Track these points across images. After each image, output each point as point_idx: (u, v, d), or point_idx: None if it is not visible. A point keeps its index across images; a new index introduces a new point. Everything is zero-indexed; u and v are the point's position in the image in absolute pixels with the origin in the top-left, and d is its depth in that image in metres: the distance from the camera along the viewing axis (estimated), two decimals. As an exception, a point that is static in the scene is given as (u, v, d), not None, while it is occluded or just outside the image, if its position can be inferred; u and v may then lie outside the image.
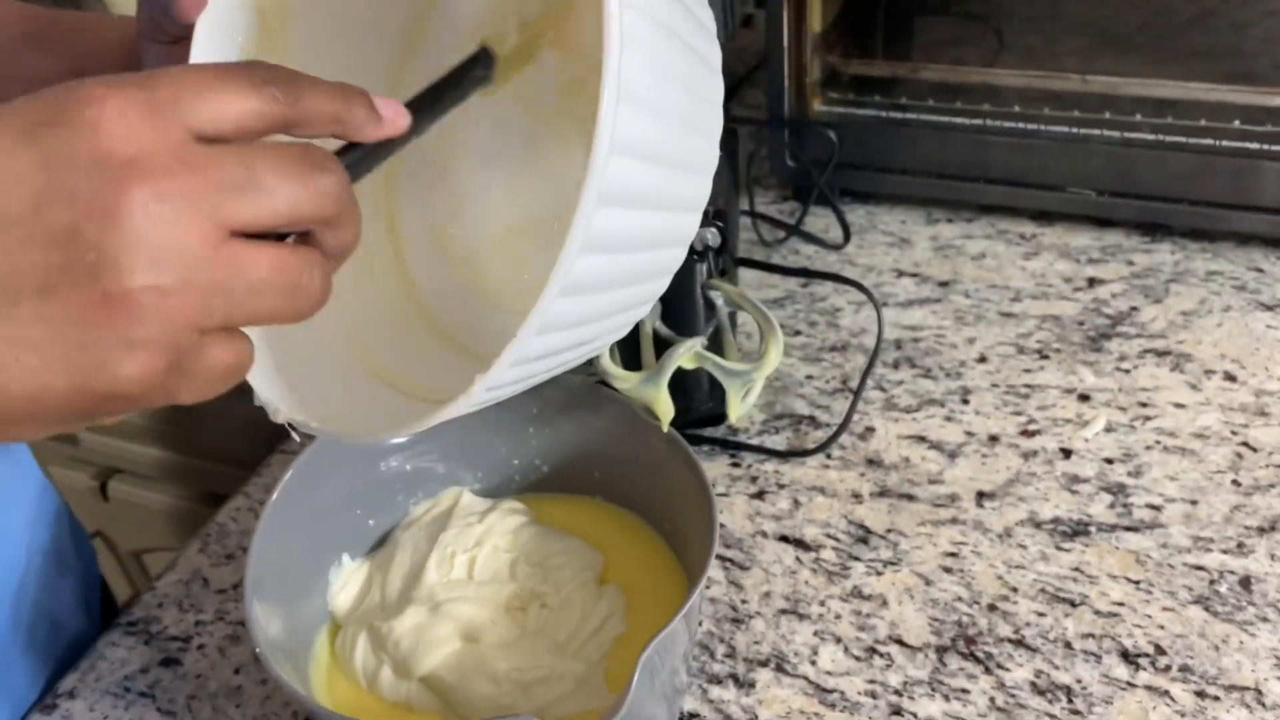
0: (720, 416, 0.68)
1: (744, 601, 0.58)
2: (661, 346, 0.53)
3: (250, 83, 0.28)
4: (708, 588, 0.59)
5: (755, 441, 0.67)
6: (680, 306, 0.59)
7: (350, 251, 0.30)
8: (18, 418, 0.27)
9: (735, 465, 0.66)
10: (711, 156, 0.36)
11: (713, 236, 0.58)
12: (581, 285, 0.30)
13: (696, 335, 0.51)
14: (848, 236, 0.82)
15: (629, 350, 0.52)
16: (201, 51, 0.38)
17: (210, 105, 0.27)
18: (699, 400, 0.67)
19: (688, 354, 0.49)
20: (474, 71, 0.38)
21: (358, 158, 0.32)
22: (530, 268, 0.44)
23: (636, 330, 0.53)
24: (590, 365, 0.69)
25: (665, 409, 0.50)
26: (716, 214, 0.59)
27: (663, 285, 0.37)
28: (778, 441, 0.68)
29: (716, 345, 0.54)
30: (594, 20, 0.29)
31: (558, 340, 0.32)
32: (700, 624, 0.57)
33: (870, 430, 0.68)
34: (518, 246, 0.45)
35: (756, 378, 0.49)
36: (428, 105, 0.35)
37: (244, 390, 0.81)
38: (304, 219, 0.28)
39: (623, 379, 0.49)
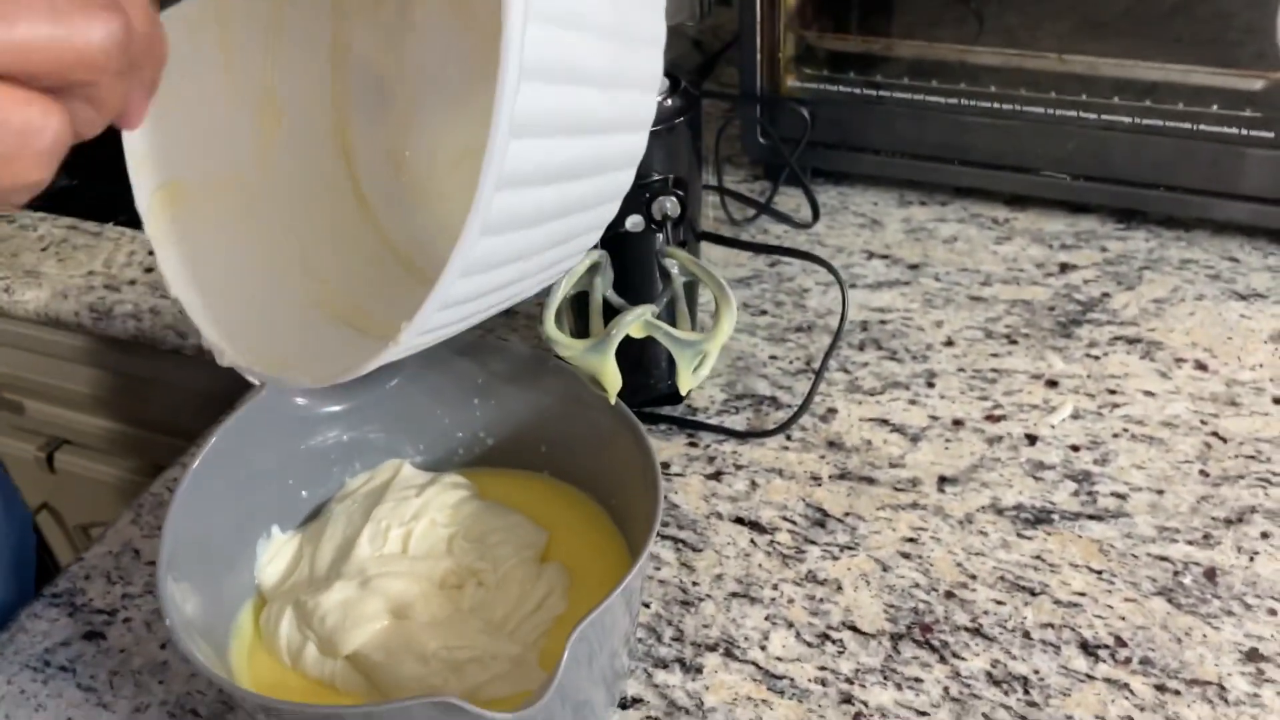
0: (679, 395, 0.66)
1: (695, 584, 0.56)
2: (612, 316, 0.51)
3: None
4: (657, 569, 0.57)
5: (714, 421, 0.65)
6: (634, 276, 0.56)
7: (100, 128, 0.26)
8: None
9: (693, 445, 0.64)
10: (652, 53, 0.33)
11: (672, 205, 0.56)
12: (504, 224, 0.27)
13: (649, 305, 0.49)
14: (816, 215, 0.80)
15: (578, 319, 0.50)
16: None
17: None
18: (657, 378, 0.65)
19: (636, 321, 0.47)
20: None
21: None
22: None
23: (586, 298, 0.51)
24: (537, 332, 0.67)
25: (613, 379, 0.47)
26: (676, 182, 0.56)
27: (604, 217, 0.34)
28: (737, 422, 0.65)
29: (670, 317, 0.52)
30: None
31: (485, 281, 0.29)
32: (648, 605, 0.55)
33: (832, 412, 0.66)
34: (469, 170, 0.43)
35: (709, 349, 0.47)
36: None
37: (194, 361, 0.78)
38: (51, 68, 0.23)
39: (567, 346, 0.47)
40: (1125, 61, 0.76)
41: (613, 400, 0.48)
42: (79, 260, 0.84)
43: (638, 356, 0.61)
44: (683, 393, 0.50)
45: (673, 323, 0.50)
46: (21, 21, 0.22)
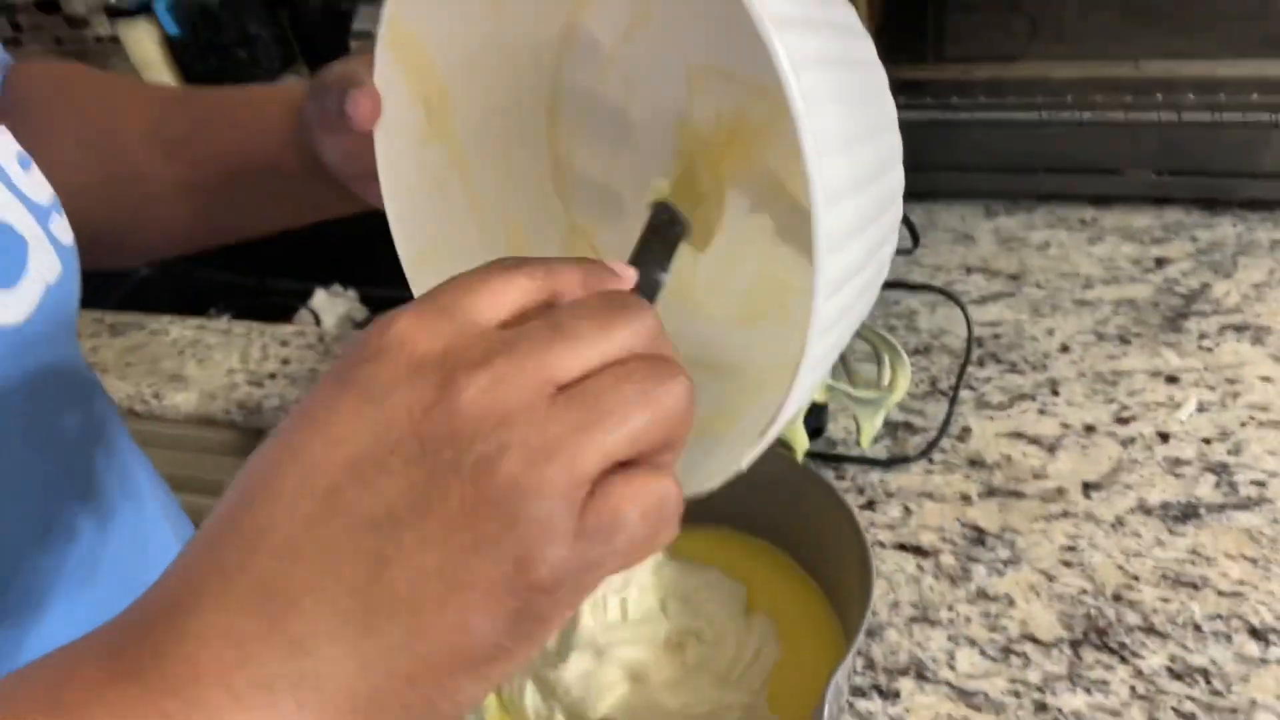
0: (817, 431, 0.70)
1: (874, 613, 0.60)
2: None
3: (511, 273, 0.28)
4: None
5: (855, 453, 0.69)
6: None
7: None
8: (446, 663, 0.25)
9: (840, 478, 0.68)
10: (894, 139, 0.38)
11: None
12: (841, 231, 0.31)
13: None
14: (916, 241, 0.84)
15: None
16: (385, 150, 0.41)
17: (485, 296, 0.27)
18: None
19: (821, 385, 0.51)
20: (664, 233, 0.39)
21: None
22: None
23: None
24: None
25: (800, 441, 0.51)
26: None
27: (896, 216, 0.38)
28: (878, 450, 0.69)
29: (839, 374, 0.56)
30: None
31: (844, 298, 0.33)
32: (837, 639, 0.59)
33: (967, 430, 0.69)
34: (715, 270, 0.47)
35: (887, 406, 0.51)
36: (647, 262, 0.37)
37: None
38: (622, 350, 0.27)
39: (757, 416, 0.51)
40: (1196, 62, 0.79)
41: (800, 459, 0.52)
42: (216, 360, 0.89)
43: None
44: (865, 445, 0.54)
45: (844, 379, 0.54)
46: (633, 414, 0.26)
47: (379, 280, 1.31)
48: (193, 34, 1.29)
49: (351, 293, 1.30)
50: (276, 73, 1.34)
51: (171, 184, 0.52)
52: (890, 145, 0.35)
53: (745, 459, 0.33)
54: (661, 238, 0.39)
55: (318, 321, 1.25)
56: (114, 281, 1.41)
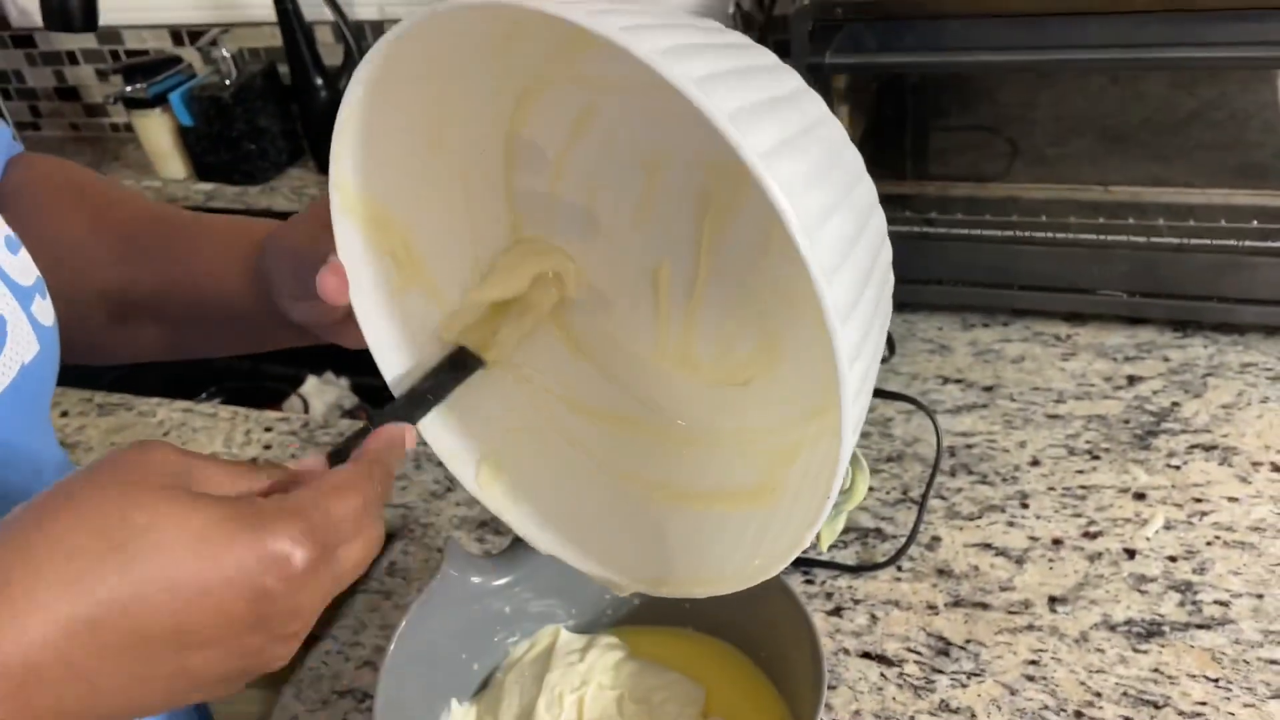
0: (789, 534, 0.71)
1: (835, 721, 0.60)
2: (747, 481, 0.55)
3: (350, 492, 0.36)
4: (799, 709, 0.60)
5: (826, 557, 0.69)
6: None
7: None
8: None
9: (809, 582, 0.68)
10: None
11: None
12: (845, 302, 0.33)
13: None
14: (892, 350, 0.85)
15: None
16: (364, 313, 0.43)
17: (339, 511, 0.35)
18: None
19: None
20: (464, 368, 0.45)
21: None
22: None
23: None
24: None
25: (760, 543, 0.52)
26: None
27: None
28: (847, 556, 0.70)
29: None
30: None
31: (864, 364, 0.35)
32: (797, 747, 0.58)
33: (936, 540, 0.70)
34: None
35: (846, 509, 0.52)
36: (413, 402, 0.43)
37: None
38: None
39: (718, 517, 0.52)
40: (1167, 189, 0.82)
41: (760, 561, 0.53)
42: (200, 443, 0.90)
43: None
44: (824, 549, 0.55)
45: (802, 482, 0.55)
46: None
47: (370, 369, 1.32)
48: (205, 125, 1.33)
49: (343, 381, 1.31)
50: (284, 165, 1.38)
51: (136, 307, 0.53)
52: (865, 193, 0.37)
53: (814, 526, 0.35)
54: (453, 378, 0.44)
55: (306, 408, 1.26)
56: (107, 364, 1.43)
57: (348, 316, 0.45)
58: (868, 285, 0.35)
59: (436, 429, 0.47)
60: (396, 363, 0.45)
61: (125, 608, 0.30)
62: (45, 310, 0.45)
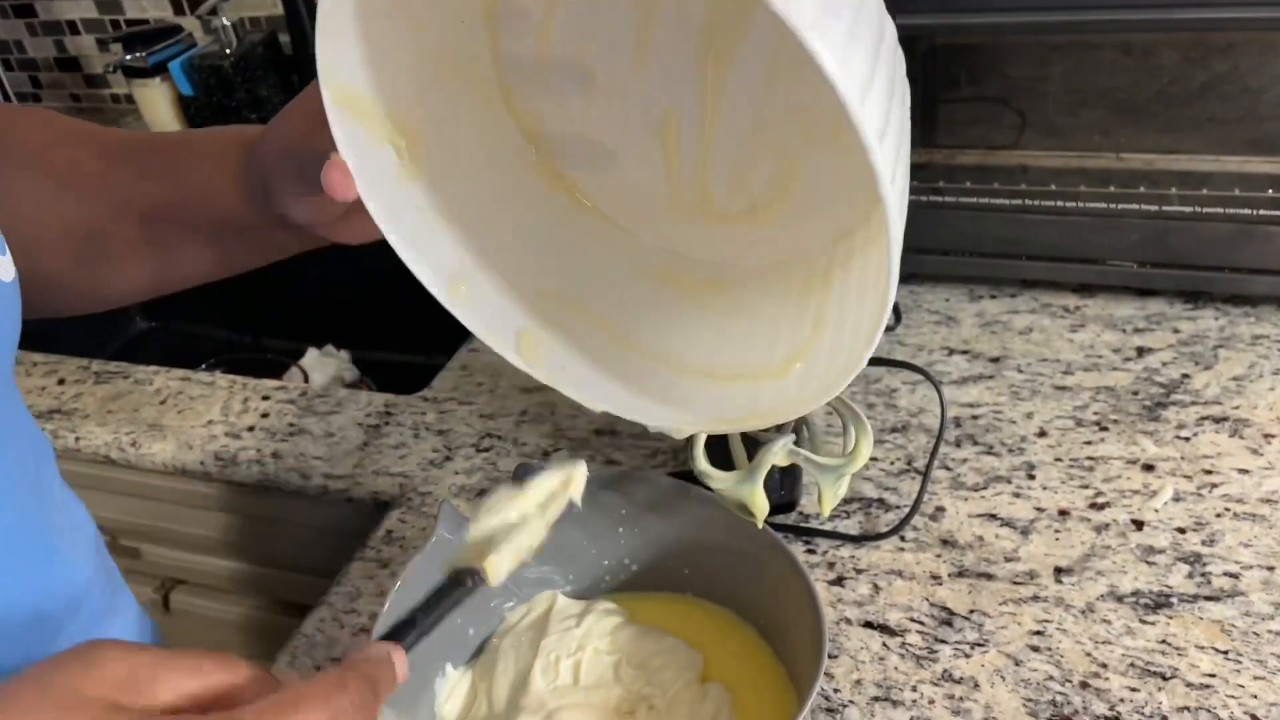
0: (790, 504, 0.70)
1: (836, 690, 0.59)
2: (749, 444, 0.54)
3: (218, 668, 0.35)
4: (799, 678, 0.59)
5: (828, 527, 0.68)
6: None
7: None
8: None
9: (810, 552, 0.67)
10: None
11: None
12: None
13: (785, 432, 0.53)
14: (899, 318, 0.84)
15: (718, 451, 0.54)
16: (376, 207, 0.42)
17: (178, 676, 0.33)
18: (770, 489, 0.68)
19: (781, 451, 0.50)
20: (456, 593, 0.43)
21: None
22: None
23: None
24: (682, 463, 0.70)
25: (761, 506, 0.51)
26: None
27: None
28: (850, 526, 0.69)
29: (800, 440, 0.55)
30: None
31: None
32: (797, 716, 0.57)
33: (941, 510, 0.69)
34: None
35: (848, 472, 0.51)
36: (417, 631, 0.42)
37: (316, 500, 0.82)
38: None
39: (719, 479, 0.51)
40: (1180, 157, 0.80)
41: (761, 525, 0.52)
42: (197, 411, 0.89)
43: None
44: (825, 514, 0.54)
45: (806, 447, 0.54)
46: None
47: (372, 343, 1.32)
48: (205, 95, 1.32)
49: (344, 353, 1.30)
50: (284, 136, 1.37)
51: (126, 239, 0.52)
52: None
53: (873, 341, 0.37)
54: (451, 602, 0.43)
55: (306, 380, 1.25)
56: (110, 333, 1.42)
57: (349, 211, 0.44)
58: (893, 97, 0.34)
59: (467, 307, 0.46)
60: (419, 252, 0.44)
61: None
62: (5, 266, 0.44)
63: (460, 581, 0.43)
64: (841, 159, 0.33)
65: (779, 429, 0.54)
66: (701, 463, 0.51)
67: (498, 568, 0.43)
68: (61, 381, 0.95)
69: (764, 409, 0.44)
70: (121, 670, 0.32)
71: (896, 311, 0.84)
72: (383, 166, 0.43)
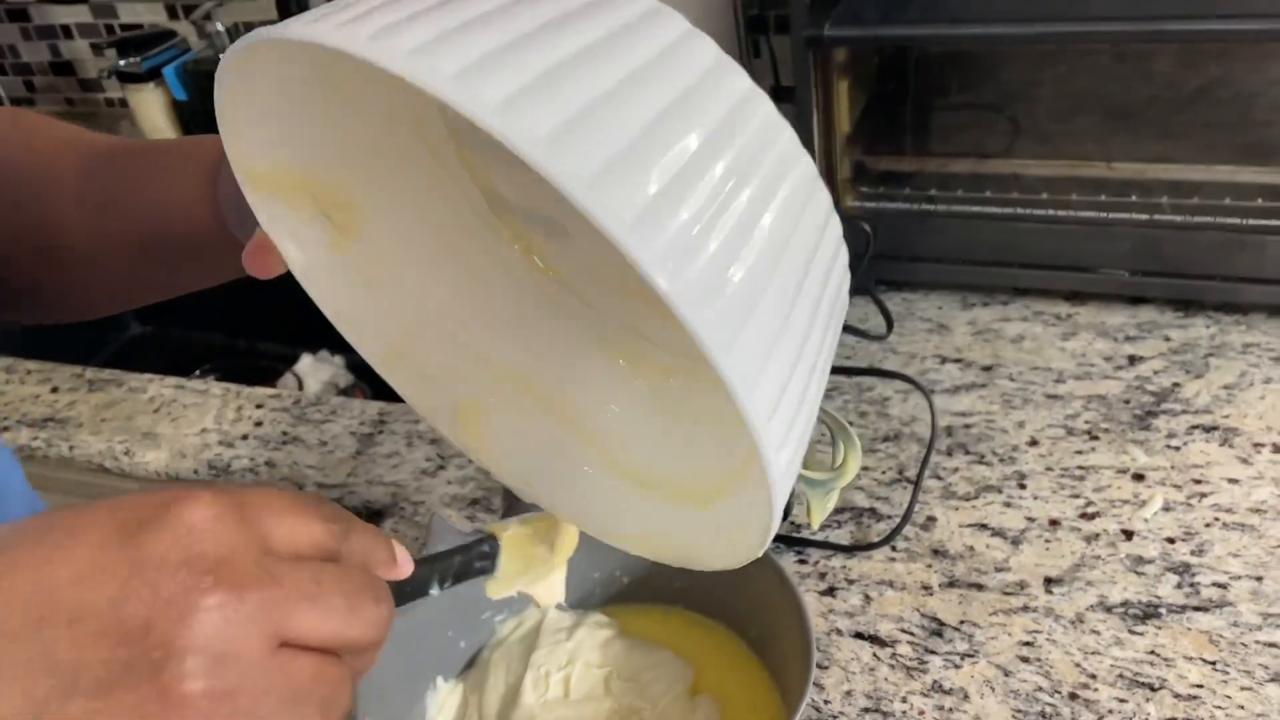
0: (781, 515, 0.70)
1: (826, 702, 0.59)
2: (738, 458, 0.55)
3: (320, 516, 0.31)
4: (790, 689, 0.60)
5: (820, 537, 0.69)
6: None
7: (365, 673, 0.33)
8: None
9: (802, 562, 0.68)
10: None
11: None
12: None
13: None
14: (890, 327, 0.84)
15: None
16: (309, 280, 0.40)
17: (284, 526, 0.30)
18: (762, 499, 0.69)
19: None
20: (477, 561, 0.42)
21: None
22: None
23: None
24: None
25: (750, 521, 0.51)
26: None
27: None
28: (841, 536, 0.69)
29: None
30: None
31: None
32: (787, 727, 0.58)
33: (932, 520, 0.69)
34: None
35: (837, 487, 0.51)
36: (431, 569, 0.40)
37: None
38: (351, 642, 0.30)
39: (708, 494, 0.51)
40: (1171, 166, 0.81)
41: (750, 539, 0.52)
42: (191, 419, 0.89)
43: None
44: (815, 526, 0.54)
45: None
46: (336, 608, 0.30)
47: (366, 348, 1.32)
48: (199, 100, 1.32)
49: (338, 359, 1.30)
50: (279, 141, 1.37)
51: (101, 248, 0.51)
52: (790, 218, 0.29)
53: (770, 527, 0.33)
54: (464, 561, 0.41)
55: (301, 386, 1.25)
56: (104, 339, 1.42)
57: None
58: (803, 352, 0.30)
59: (407, 375, 0.44)
60: (357, 324, 0.43)
61: None
62: None
63: (477, 563, 0.42)
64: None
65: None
66: (691, 477, 0.51)
67: (505, 582, 0.43)
68: (55, 389, 0.96)
69: (674, 545, 0.40)
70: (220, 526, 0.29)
71: (889, 319, 0.84)
72: (315, 237, 0.40)
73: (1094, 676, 0.58)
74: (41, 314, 0.55)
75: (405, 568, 0.36)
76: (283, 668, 0.28)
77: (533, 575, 0.45)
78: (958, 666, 0.60)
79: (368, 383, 1.29)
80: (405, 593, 0.37)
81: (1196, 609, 0.61)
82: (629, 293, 0.46)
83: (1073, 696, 0.57)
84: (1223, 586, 0.62)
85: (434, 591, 0.39)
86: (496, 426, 0.45)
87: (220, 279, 0.53)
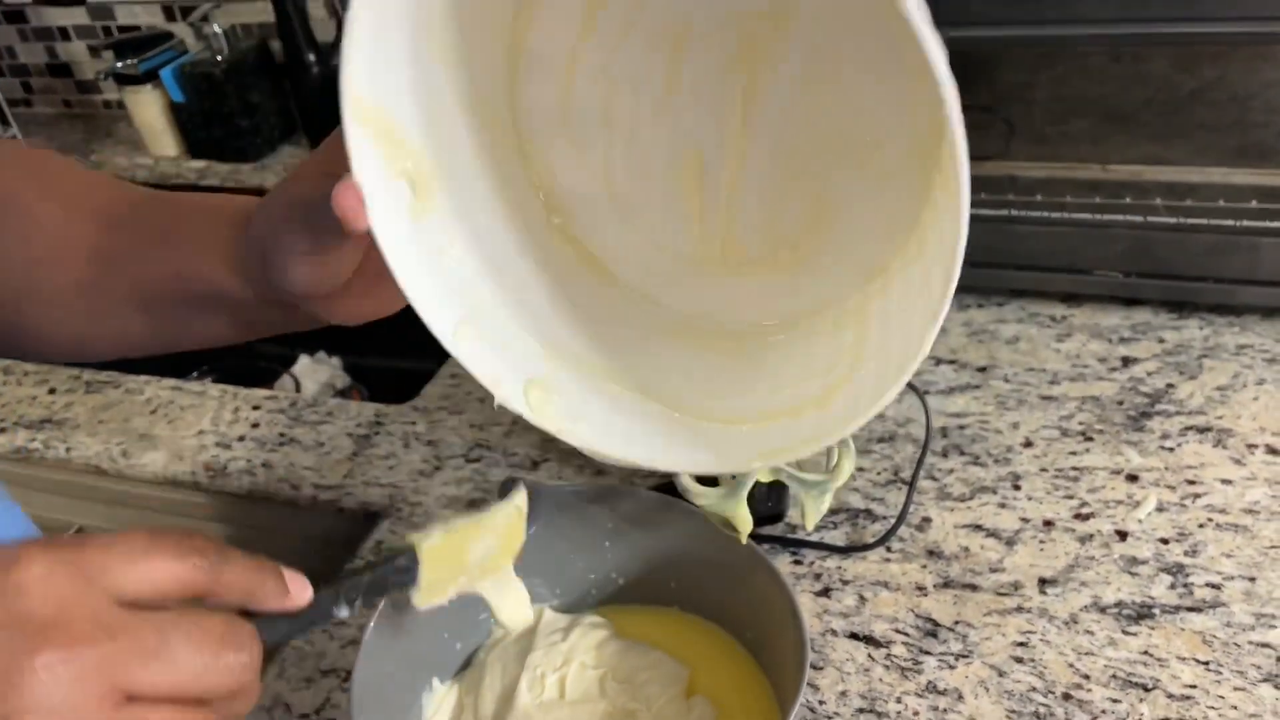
0: (777, 516, 0.70)
1: (821, 702, 0.59)
2: (732, 459, 0.55)
3: (177, 553, 0.30)
4: (785, 690, 0.60)
5: (815, 538, 0.69)
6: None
7: (241, 717, 0.33)
8: None
9: (797, 563, 0.68)
10: None
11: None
12: None
13: (767, 447, 0.53)
14: (885, 329, 0.84)
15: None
16: (387, 239, 0.39)
17: (136, 572, 0.29)
18: (757, 501, 0.69)
19: (764, 467, 0.51)
20: (393, 575, 0.41)
21: (275, 627, 0.36)
22: None
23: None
24: (662, 479, 0.71)
25: (744, 522, 0.51)
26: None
27: None
28: (837, 537, 0.69)
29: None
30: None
31: None
32: (782, 728, 0.58)
33: (927, 521, 0.69)
34: None
35: (831, 488, 0.51)
36: (334, 592, 0.39)
37: (307, 510, 0.82)
38: (207, 690, 0.30)
39: (703, 495, 0.51)
40: (1166, 168, 0.81)
41: (744, 540, 0.52)
42: (188, 421, 0.89)
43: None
44: (810, 527, 0.54)
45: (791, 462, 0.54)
46: (182, 661, 0.29)
47: (363, 350, 1.32)
48: (197, 101, 1.32)
49: (335, 360, 1.31)
50: (276, 142, 1.37)
51: (116, 301, 0.51)
52: None
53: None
54: (375, 578, 0.40)
55: (298, 388, 1.25)
56: (101, 340, 1.42)
57: (348, 284, 0.44)
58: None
59: (473, 349, 0.44)
60: (427, 293, 0.42)
61: None
62: None
63: (395, 579, 0.42)
64: (877, 187, 0.31)
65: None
66: (685, 478, 0.51)
67: (432, 591, 0.43)
68: (52, 391, 0.96)
69: (807, 435, 0.42)
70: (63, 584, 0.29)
71: (884, 321, 0.85)
72: (395, 199, 0.41)
73: (1087, 677, 0.58)
74: (65, 355, 0.55)
75: (301, 596, 0.35)
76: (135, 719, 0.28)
77: (470, 579, 0.45)
78: (952, 667, 0.60)
79: (364, 384, 1.29)
80: (307, 619, 0.37)
81: (1190, 609, 0.61)
82: (694, 266, 0.47)
83: (1066, 697, 0.57)
84: (1216, 587, 0.62)
85: (343, 613, 0.39)
86: (567, 398, 0.46)
87: (233, 337, 0.53)
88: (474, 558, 0.45)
